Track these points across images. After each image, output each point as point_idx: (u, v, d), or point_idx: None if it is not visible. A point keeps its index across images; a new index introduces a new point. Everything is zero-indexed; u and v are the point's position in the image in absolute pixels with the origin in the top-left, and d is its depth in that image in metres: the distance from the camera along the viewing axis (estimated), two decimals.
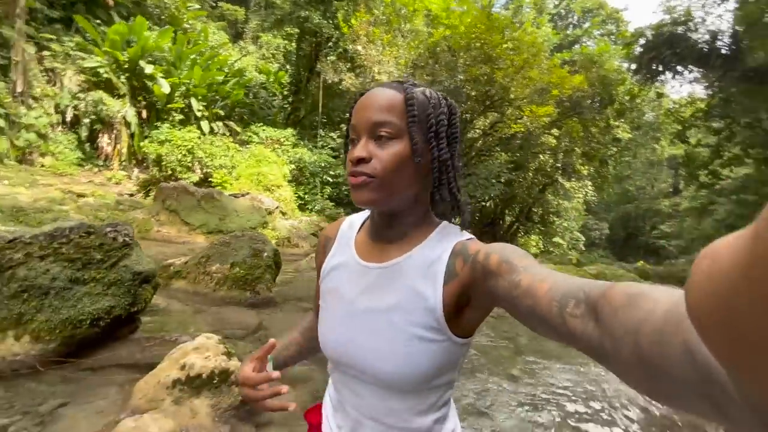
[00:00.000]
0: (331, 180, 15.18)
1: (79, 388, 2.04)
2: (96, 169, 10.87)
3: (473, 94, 11.64)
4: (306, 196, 14.06)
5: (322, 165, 15.10)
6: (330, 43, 15.33)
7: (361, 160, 0.57)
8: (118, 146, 11.18)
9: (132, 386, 1.90)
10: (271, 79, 16.48)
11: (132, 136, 11.29)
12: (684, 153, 18.33)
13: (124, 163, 11.35)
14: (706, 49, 11.72)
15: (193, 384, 1.80)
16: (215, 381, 1.84)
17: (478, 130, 15.22)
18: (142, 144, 11.22)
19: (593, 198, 19.15)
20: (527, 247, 17.58)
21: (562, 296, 0.39)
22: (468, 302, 0.56)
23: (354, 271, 0.66)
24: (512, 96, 11.66)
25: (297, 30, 16.83)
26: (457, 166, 0.62)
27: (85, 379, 2.12)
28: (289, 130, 15.08)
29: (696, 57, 12.08)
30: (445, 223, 0.64)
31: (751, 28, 10.98)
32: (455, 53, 11.82)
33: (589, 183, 18.14)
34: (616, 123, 15.14)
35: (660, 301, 0.28)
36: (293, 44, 17.67)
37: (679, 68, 12.97)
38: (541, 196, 17.39)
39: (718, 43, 11.52)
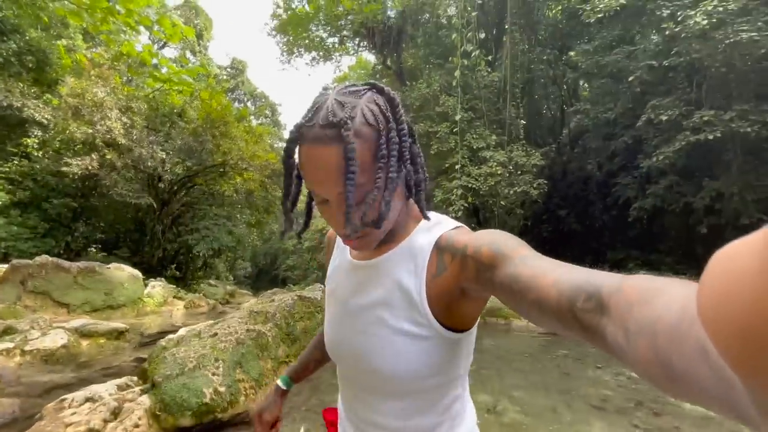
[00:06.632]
0: None
1: None
2: None
3: (216, 158, 13.82)
4: None
5: None
6: None
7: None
8: None
9: None
10: None
11: None
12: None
13: None
14: None
15: None
16: None
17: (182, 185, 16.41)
18: None
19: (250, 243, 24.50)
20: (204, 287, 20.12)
21: (570, 290, 0.37)
22: (462, 294, 0.54)
23: (347, 271, 0.68)
24: (238, 163, 14.62)
25: None
26: (421, 177, 0.60)
27: None
28: None
29: None
30: (432, 214, 0.61)
31: None
32: (183, 119, 13.31)
33: (255, 230, 23.57)
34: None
35: (676, 295, 0.26)
36: None
37: None
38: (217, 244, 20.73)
39: None
